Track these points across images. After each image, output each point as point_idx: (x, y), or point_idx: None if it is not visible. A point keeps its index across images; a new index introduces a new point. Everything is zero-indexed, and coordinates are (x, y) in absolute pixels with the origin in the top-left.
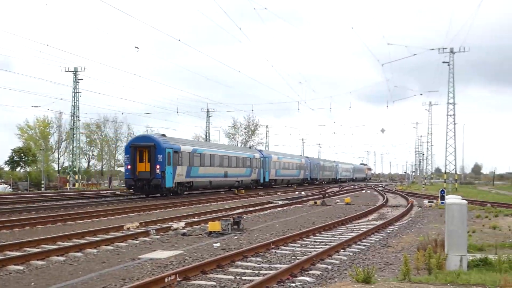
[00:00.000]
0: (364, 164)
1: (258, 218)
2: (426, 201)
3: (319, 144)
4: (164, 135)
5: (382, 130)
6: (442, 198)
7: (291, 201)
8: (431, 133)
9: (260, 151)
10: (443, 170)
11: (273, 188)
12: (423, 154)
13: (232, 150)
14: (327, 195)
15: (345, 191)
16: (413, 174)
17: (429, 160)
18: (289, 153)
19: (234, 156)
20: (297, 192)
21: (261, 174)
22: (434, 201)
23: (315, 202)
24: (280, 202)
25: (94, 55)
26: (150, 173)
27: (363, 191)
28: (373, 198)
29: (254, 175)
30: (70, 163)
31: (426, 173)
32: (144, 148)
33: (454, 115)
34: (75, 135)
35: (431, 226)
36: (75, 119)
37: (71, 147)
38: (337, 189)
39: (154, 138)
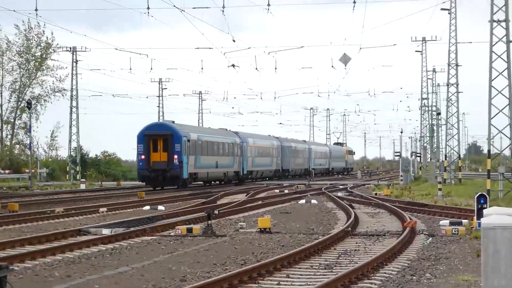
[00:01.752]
0: (341, 144)
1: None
2: (445, 222)
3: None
4: (173, 122)
5: (344, 59)
6: (481, 213)
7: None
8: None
9: (236, 133)
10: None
11: (247, 184)
12: (439, 113)
13: (219, 135)
14: (217, 211)
15: (273, 200)
16: (417, 159)
17: (452, 124)
18: (255, 133)
19: (221, 142)
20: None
21: (241, 164)
22: (463, 223)
23: (189, 230)
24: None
25: None
26: (168, 164)
27: (311, 202)
28: (326, 216)
29: (236, 166)
30: None
31: (445, 155)
32: (160, 137)
33: None
34: None
35: (455, 282)
36: None
37: None
38: (263, 194)
39: (171, 126)
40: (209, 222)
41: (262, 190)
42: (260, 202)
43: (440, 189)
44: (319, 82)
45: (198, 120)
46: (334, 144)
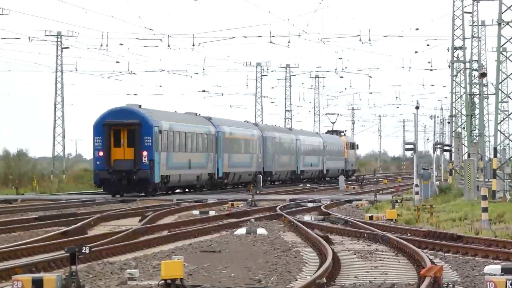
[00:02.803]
0: (338, 133)
1: None
2: (494, 269)
3: None
4: (140, 106)
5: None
6: None
7: None
8: None
9: (209, 119)
10: None
11: (222, 191)
12: (484, 75)
13: (190, 122)
14: (88, 249)
15: (190, 229)
16: (445, 155)
17: (507, 95)
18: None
19: (194, 132)
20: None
21: (215, 163)
22: None
23: None
24: None
25: None
26: (135, 163)
27: (257, 232)
28: (282, 258)
29: (210, 166)
30: None
31: (495, 149)
32: (124, 127)
33: None
34: None
35: None
36: None
37: None
38: (172, 217)
39: (139, 112)
40: (74, 268)
41: (170, 210)
42: (166, 233)
43: (485, 210)
44: (273, 19)
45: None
46: (328, 133)
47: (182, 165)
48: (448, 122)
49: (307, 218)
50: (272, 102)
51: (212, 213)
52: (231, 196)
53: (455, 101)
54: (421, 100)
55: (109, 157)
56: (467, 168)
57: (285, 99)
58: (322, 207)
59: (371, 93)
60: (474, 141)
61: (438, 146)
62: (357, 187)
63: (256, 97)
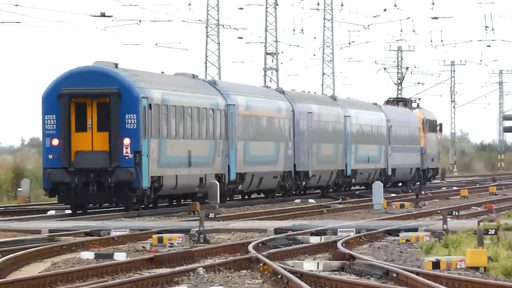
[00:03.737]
0: (406, 103)
1: None
2: None
3: None
4: (116, 65)
5: None
6: None
7: None
8: None
9: (213, 84)
10: None
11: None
12: None
13: (190, 89)
14: None
15: None
16: None
17: None
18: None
19: (196, 107)
20: None
21: (226, 158)
22: None
23: None
24: None
25: None
26: (111, 156)
27: None
28: None
29: (219, 161)
30: None
31: None
32: (93, 98)
33: None
34: None
35: None
36: None
37: None
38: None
39: (115, 75)
40: None
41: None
42: None
43: None
44: None
45: None
46: (389, 103)
47: (179, 160)
48: None
49: (309, 265)
50: (240, 38)
51: (120, 257)
52: (161, 223)
53: None
54: None
55: (68, 148)
56: None
57: (265, 30)
58: (339, 244)
59: (435, 18)
60: None
61: None
62: (408, 204)
63: (207, 29)
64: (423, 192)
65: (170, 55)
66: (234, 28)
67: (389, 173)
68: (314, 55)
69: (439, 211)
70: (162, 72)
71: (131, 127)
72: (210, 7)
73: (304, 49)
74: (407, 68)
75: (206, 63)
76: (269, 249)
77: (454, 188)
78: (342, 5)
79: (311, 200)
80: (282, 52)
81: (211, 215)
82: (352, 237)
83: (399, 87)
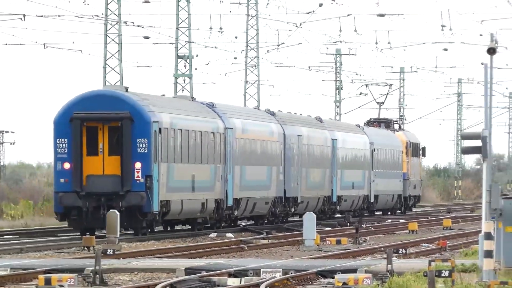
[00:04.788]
0: (388, 124)
1: None
2: None
3: None
4: (127, 89)
5: None
6: None
7: None
8: None
9: (211, 106)
10: None
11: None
12: None
13: (193, 112)
14: None
15: None
16: None
17: None
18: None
19: (199, 131)
20: None
21: (224, 182)
22: None
23: None
24: None
25: None
26: (122, 180)
27: None
28: None
29: (218, 186)
30: None
31: None
32: (105, 122)
33: None
34: None
35: None
36: None
37: None
38: None
39: (127, 99)
40: None
41: None
42: None
43: None
44: None
45: None
46: (370, 123)
47: (184, 184)
48: None
49: None
50: (146, 37)
51: None
52: (49, 261)
53: None
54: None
55: (80, 172)
56: None
57: (177, 29)
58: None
59: (381, 15)
60: None
61: None
62: (345, 240)
63: (106, 26)
64: (363, 226)
65: (62, 58)
66: (139, 26)
67: (372, 199)
68: (236, 58)
69: (382, 249)
70: (163, 95)
71: (143, 151)
72: (109, 0)
73: (223, 52)
74: (390, 85)
75: (105, 67)
76: None
77: (401, 221)
78: None
79: (229, 235)
80: (197, 55)
81: (110, 251)
82: (278, 279)
83: (380, 107)
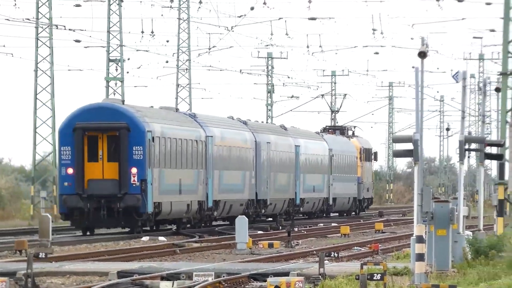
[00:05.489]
0: (343, 131)
1: None
2: None
3: None
4: (123, 101)
5: None
6: None
7: None
8: None
9: (193, 117)
10: None
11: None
12: None
13: (178, 123)
14: None
15: None
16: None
17: None
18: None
19: (184, 139)
20: None
21: (205, 186)
22: None
23: None
24: None
25: None
26: (120, 184)
27: None
28: None
29: (201, 189)
30: None
31: None
32: (104, 132)
33: None
34: None
35: None
36: None
37: None
38: None
39: (125, 111)
40: None
41: None
42: None
43: None
44: None
45: None
46: (327, 130)
47: (173, 188)
48: (497, 90)
49: None
50: (78, 41)
51: None
52: None
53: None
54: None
55: (82, 176)
56: None
57: (108, 32)
58: None
59: (313, 19)
60: None
61: (473, 147)
62: (278, 243)
63: (37, 29)
64: (295, 229)
65: None
66: (70, 29)
67: (331, 202)
68: (167, 62)
69: (314, 252)
70: (151, 106)
71: (138, 158)
72: (40, 3)
73: (155, 55)
74: (345, 95)
75: (36, 70)
76: None
77: (333, 224)
78: (200, 2)
79: (161, 238)
80: (129, 59)
81: (42, 255)
82: (210, 282)
83: (335, 115)
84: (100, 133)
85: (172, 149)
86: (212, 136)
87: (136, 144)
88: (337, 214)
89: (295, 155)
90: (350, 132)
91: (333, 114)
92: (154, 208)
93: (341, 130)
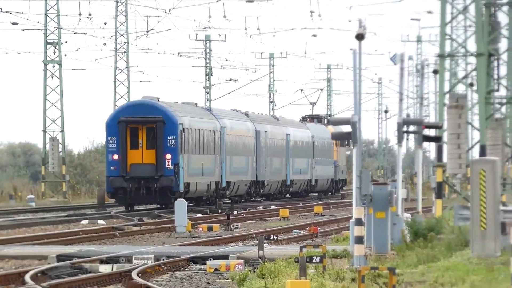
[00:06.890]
0: (320, 120)
1: None
2: None
3: None
4: (158, 99)
5: None
6: None
7: None
8: None
9: (209, 110)
10: None
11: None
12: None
13: (200, 116)
14: None
15: None
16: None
17: None
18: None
19: (205, 129)
20: None
21: (220, 169)
22: None
23: None
24: None
25: None
26: (157, 168)
27: None
28: None
29: (217, 172)
30: None
31: None
32: (143, 124)
33: None
34: None
35: None
36: None
37: None
38: None
39: (160, 106)
40: None
41: None
42: None
43: None
44: None
45: None
46: (306, 119)
47: (197, 171)
48: (435, 72)
49: None
50: (15, 24)
51: None
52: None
53: (452, 20)
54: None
55: (125, 161)
56: (477, 181)
57: (45, 15)
58: (134, 274)
59: (250, 1)
60: (497, 116)
61: (411, 129)
62: (217, 226)
63: None
64: (235, 212)
65: None
66: (7, 12)
67: (313, 183)
68: (105, 44)
69: (254, 235)
70: (177, 102)
71: (172, 146)
72: None
73: (92, 38)
74: (321, 89)
75: None
76: (50, 280)
77: (273, 207)
78: None
79: (100, 221)
80: (66, 42)
81: None
82: (150, 265)
83: (313, 107)
84: (140, 125)
85: (197, 138)
86: (225, 127)
87: (170, 134)
88: (316, 194)
89: (286, 142)
90: (325, 121)
91: (312, 106)
92: (184, 188)
93: (319, 119)
